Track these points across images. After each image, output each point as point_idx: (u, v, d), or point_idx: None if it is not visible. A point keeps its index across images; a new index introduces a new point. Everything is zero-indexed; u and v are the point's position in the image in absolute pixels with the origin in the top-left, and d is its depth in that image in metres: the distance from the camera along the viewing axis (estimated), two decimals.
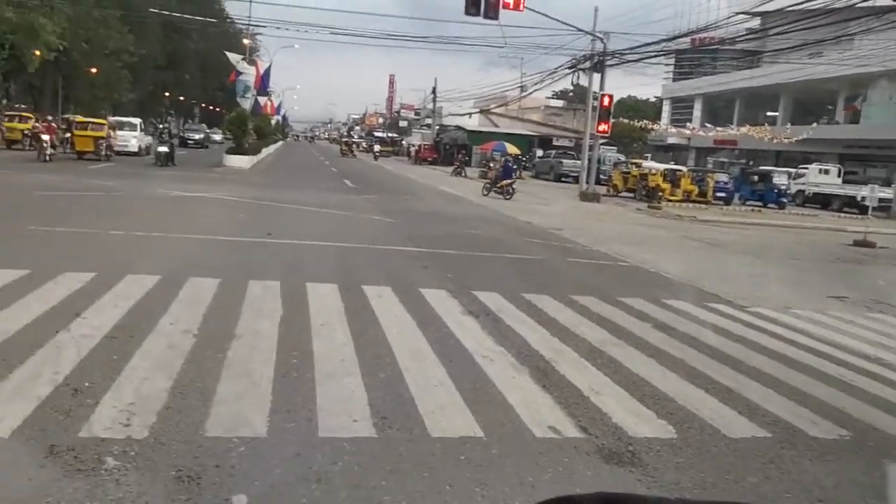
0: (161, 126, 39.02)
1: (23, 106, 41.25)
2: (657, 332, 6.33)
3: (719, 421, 4.22)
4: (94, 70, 39.71)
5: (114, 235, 9.32)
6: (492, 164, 32.15)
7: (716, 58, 50.82)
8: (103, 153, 24.99)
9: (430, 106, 61.64)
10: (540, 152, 47.02)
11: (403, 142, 67.41)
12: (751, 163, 41.80)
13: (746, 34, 33.30)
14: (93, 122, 26.76)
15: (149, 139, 32.53)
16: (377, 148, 58.24)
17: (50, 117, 30.82)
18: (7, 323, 4.88)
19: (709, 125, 47.72)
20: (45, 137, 23.01)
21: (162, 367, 4.27)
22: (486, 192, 23.49)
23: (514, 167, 26.00)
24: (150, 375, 4.12)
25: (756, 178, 31.30)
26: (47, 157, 22.46)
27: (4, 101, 39.40)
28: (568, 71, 28.47)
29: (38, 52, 29.72)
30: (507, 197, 22.38)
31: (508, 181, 23.15)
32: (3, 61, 30.45)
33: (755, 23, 40.89)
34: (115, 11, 34.55)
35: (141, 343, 4.70)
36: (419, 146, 54.57)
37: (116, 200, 13.92)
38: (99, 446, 3.19)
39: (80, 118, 29.28)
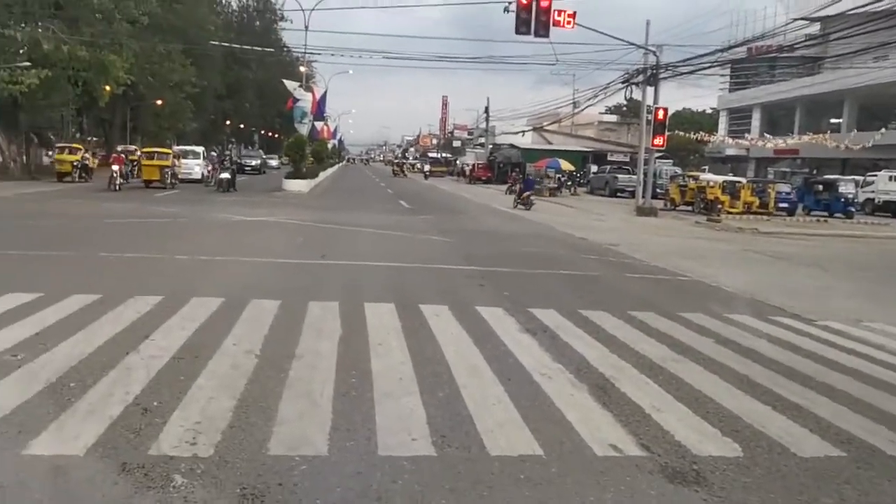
0: (225, 153, 40.22)
1: (94, 139, 43.29)
2: (720, 348, 6.17)
3: (788, 439, 4.07)
4: (159, 102, 41.40)
5: (179, 260, 9.65)
6: (543, 179, 35.95)
7: (774, 66, 49.54)
8: (168, 181, 25.97)
9: (483, 125, 61.96)
10: (594, 168, 46.65)
11: (458, 161, 67.94)
12: (814, 172, 40.45)
13: (806, 40, 32.35)
14: (159, 152, 27.88)
15: (212, 166, 33.68)
16: (427, 168, 62.59)
17: (119, 148, 32.23)
18: (82, 345, 5.10)
19: (768, 135, 46.45)
20: (115, 168, 24.12)
21: (226, 387, 4.39)
22: (515, 206, 25.49)
23: (535, 181, 31.02)
24: (215, 395, 4.24)
25: (821, 187, 30.26)
26: (117, 187, 23.51)
27: (78, 135, 41.38)
28: (621, 85, 28.23)
29: (108, 88, 31.13)
30: (528, 208, 24.53)
31: (528, 193, 25.80)
32: (76, 97, 31.99)
33: (815, 28, 39.76)
34: (178, 45, 35.98)
35: (206, 363, 4.84)
36: (473, 165, 54.97)
37: (181, 226, 14.43)
38: (167, 464, 3.29)
39: (146, 149, 30.60)
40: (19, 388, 4.12)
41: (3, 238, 9.97)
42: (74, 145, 31.21)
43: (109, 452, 3.38)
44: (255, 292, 7.39)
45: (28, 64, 27.26)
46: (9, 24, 27.15)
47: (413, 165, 76.19)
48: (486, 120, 59.91)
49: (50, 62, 27.65)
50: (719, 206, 25.14)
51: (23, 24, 27.71)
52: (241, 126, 70.24)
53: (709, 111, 69.44)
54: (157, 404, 4.03)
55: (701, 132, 50.03)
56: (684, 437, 3.97)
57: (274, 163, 55.90)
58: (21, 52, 28.27)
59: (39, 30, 27.91)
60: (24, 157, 31.80)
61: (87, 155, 28.71)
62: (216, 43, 41.91)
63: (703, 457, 3.73)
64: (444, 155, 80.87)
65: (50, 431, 3.57)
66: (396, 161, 78.26)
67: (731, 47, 30.24)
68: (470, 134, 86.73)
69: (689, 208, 27.43)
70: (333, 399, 4.28)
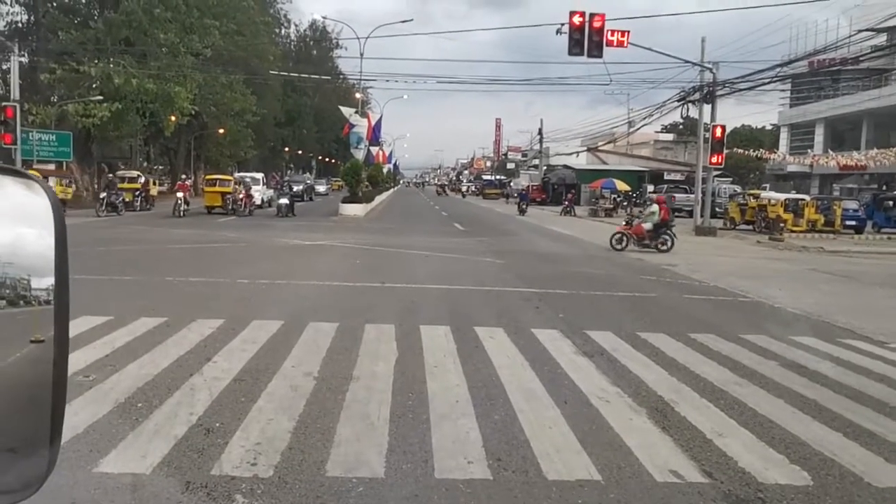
0: (284, 180, 41.00)
1: (160, 167, 45.02)
2: (785, 371, 5.96)
3: (862, 468, 3.89)
4: (221, 130, 42.84)
5: (240, 284, 9.91)
6: (598, 199, 37.66)
7: (838, 79, 48.04)
8: (230, 207, 26.74)
9: (537, 147, 61.89)
10: (651, 187, 46.03)
11: (511, 183, 68.25)
12: (884, 187, 38.87)
13: (872, 52, 31.28)
14: (220, 179, 28.78)
15: (270, 192, 34.50)
16: (465, 188, 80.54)
17: (184, 176, 33.40)
18: (149, 367, 5.29)
19: (832, 151, 44.95)
20: (180, 195, 25.02)
21: (285, 409, 4.47)
22: (519, 212, 34.09)
23: (526, 194, 41.05)
24: (274, 416, 4.32)
25: (891, 203, 29.05)
26: (181, 213, 24.34)
27: (146, 164, 43.11)
28: (677, 104, 27.83)
29: (173, 118, 32.43)
30: (522, 214, 33.51)
31: (523, 203, 36.25)
32: (144, 128, 33.37)
33: (881, 39, 38.45)
34: (239, 76, 37.22)
35: (266, 385, 4.95)
36: (527, 187, 54.96)
37: (242, 251, 14.81)
38: (229, 484, 3.37)
39: (208, 176, 31.59)
40: (91, 408, 4.29)
41: (76, 264, 10.35)
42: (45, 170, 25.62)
43: (174, 472, 3.49)
44: (313, 315, 7.53)
45: (100, 98, 28.67)
46: (83, 61, 28.65)
47: (468, 188, 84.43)
48: (540, 141, 59.78)
49: (120, 95, 29.03)
50: (781, 224, 24.40)
51: (96, 60, 29.18)
52: (300, 152, 71.96)
53: (769, 127, 67.74)
54: (220, 425, 4.14)
55: (761, 149, 48.81)
56: (749, 464, 3.84)
57: (322, 188, 53.10)
58: (94, 86, 29.78)
59: (111, 65, 29.33)
60: (96, 187, 33.26)
61: (65, 184, 24.61)
62: (275, 72, 43.20)
63: (770, 485, 3.60)
64: (497, 177, 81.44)
65: (119, 450, 3.70)
66: (439, 183, 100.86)
67: (791, 61, 29.54)
68: (524, 156, 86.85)
69: (750, 227, 26.72)
70: (390, 421, 4.31)
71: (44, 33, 32.64)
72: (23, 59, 27.00)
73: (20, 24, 35.20)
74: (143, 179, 29.21)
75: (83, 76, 28.93)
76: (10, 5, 34.24)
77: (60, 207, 0.86)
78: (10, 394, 0.83)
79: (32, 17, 34.43)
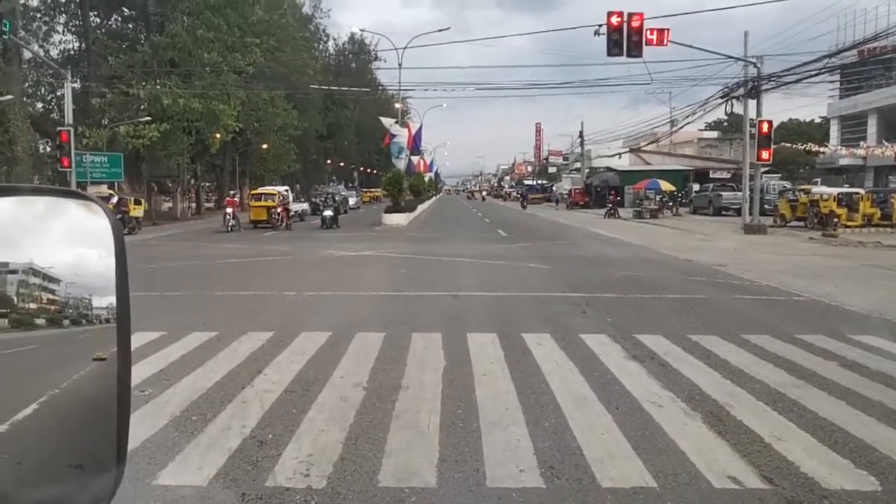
0: (329, 192, 41.46)
1: (207, 184, 46.01)
2: (845, 372, 5.76)
3: None
4: (265, 146, 43.66)
5: (288, 296, 10.05)
6: (643, 201, 33.85)
7: (890, 68, 46.43)
8: (279, 222, 27.16)
9: (578, 150, 61.43)
10: (696, 186, 45.23)
11: (554, 188, 67.98)
12: None
13: None
14: (266, 193, 29.28)
15: (305, 205, 35.04)
16: (484, 193, 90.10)
17: (232, 192, 34.10)
18: (202, 381, 5.39)
19: (886, 142, 43.44)
20: (229, 210, 25.58)
21: (336, 420, 4.50)
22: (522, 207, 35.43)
23: (526, 195, 45.46)
24: (325, 427, 4.36)
25: None
26: (230, 228, 24.86)
27: (193, 181, 44.14)
28: (720, 100, 27.28)
29: (218, 135, 33.16)
30: (524, 208, 33.91)
31: (524, 200, 38.30)
32: (190, 146, 34.23)
33: None
34: (281, 91, 37.87)
35: (316, 396, 5.00)
36: (570, 191, 54.57)
37: (288, 264, 15.03)
38: (283, 495, 3.40)
39: (253, 191, 32.09)
40: (149, 422, 4.39)
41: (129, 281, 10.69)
42: None
43: (229, 483, 3.54)
44: (361, 325, 7.59)
45: (149, 119, 29.55)
46: (132, 84, 29.57)
47: (509, 194, 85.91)
48: (581, 144, 59.31)
49: (168, 115, 29.86)
50: (835, 219, 23.70)
51: (143, 83, 30.10)
52: (342, 164, 72.80)
53: (818, 120, 65.89)
54: (272, 437, 4.19)
55: (810, 143, 47.49)
56: (811, 469, 3.72)
57: (352, 201, 48.21)
58: (142, 108, 30.72)
59: (158, 86, 30.21)
60: (147, 205, 34.17)
61: None
62: (316, 86, 43.82)
63: (835, 490, 3.48)
64: (539, 182, 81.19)
65: (176, 462, 3.78)
66: (469, 189, 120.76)
67: (840, 51, 28.66)
68: (565, 159, 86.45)
69: (801, 224, 26.01)
70: (440, 430, 4.30)
71: (94, 59, 33.81)
72: (75, 85, 27.95)
73: (72, 52, 36.56)
74: (115, 199, 25.27)
75: (132, 98, 29.86)
76: (63, 34, 35.66)
77: (120, 228, 0.89)
78: (75, 411, 0.85)
79: (83, 45, 35.70)
